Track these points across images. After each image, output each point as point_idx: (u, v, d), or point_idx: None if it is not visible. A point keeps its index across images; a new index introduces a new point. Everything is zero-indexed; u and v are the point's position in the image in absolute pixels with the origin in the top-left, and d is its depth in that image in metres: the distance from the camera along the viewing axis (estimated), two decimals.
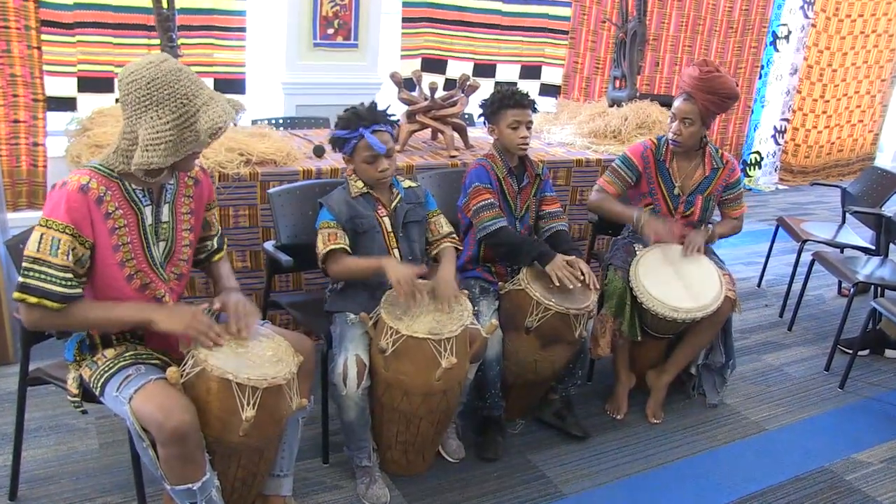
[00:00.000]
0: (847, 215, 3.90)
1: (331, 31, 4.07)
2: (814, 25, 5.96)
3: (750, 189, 6.11)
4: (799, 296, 3.63)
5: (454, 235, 2.41)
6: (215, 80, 3.77)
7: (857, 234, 3.83)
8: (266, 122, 3.44)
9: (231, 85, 3.82)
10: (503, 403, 2.46)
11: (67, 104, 3.49)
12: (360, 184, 2.26)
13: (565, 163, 3.28)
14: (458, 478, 2.34)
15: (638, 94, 3.83)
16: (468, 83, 3.23)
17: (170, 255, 1.85)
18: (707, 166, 2.75)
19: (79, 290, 1.68)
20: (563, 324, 2.36)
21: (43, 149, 3.52)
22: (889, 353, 3.40)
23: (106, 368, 1.76)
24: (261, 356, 1.81)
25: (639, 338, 2.65)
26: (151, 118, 1.63)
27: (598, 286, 2.45)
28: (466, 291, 2.30)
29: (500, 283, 2.51)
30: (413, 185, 2.39)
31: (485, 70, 4.69)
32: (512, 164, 2.53)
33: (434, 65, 4.55)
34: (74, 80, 3.49)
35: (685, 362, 2.78)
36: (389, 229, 2.28)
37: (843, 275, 3.31)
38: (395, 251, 2.28)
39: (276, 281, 2.79)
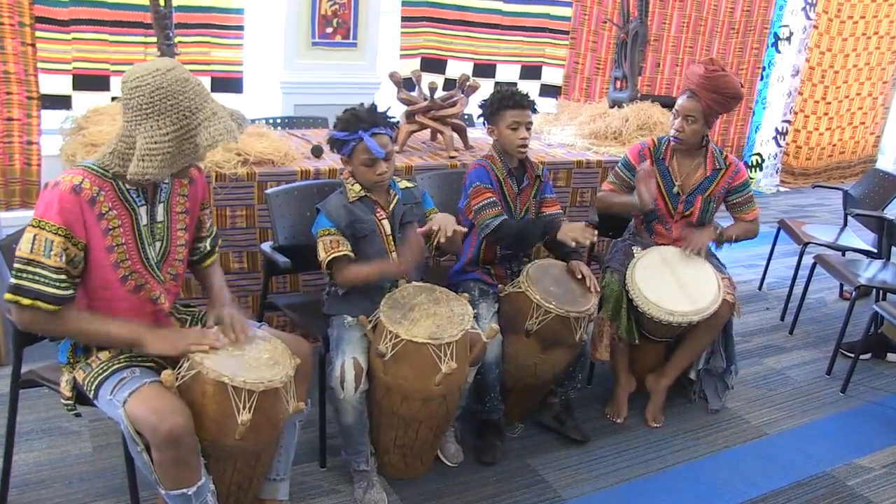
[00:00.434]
0: (849, 218, 3.89)
1: (330, 29, 4.05)
2: (815, 27, 5.95)
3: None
4: (800, 299, 3.62)
5: None
6: (213, 78, 3.75)
7: (860, 237, 3.82)
8: (264, 121, 3.42)
9: (228, 84, 3.81)
10: (502, 407, 2.45)
11: (62, 102, 3.46)
12: (357, 187, 2.24)
13: (566, 164, 3.26)
14: (456, 482, 2.33)
15: (639, 95, 3.82)
16: (468, 83, 3.21)
17: (165, 255, 1.83)
18: (709, 166, 2.74)
19: (71, 292, 1.67)
20: (563, 327, 2.34)
21: (37, 147, 3.49)
22: (891, 357, 3.38)
23: (100, 371, 1.75)
24: (257, 359, 1.80)
25: (636, 341, 2.64)
26: (151, 127, 1.61)
27: (598, 289, 2.45)
28: (467, 295, 2.29)
29: (499, 285, 2.49)
30: (410, 185, 2.38)
31: (485, 70, 4.68)
32: (512, 166, 2.52)
33: (433, 65, 4.53)
34: (69, 78, 3.47)
35: (684, 366, 2.77)
36: (388, 232, 2.27)
37: (844, 278, 3.30)
38: (394, 254, 2.27)
39: (274, 282, 2.78)
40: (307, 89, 4.07)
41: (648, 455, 2.55)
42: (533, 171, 2.57)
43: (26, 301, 1.62)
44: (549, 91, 4.91)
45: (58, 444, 2.36)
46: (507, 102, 2.44)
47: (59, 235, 1.62)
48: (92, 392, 1.75)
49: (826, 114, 6.33)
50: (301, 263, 2.37)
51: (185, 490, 1.68)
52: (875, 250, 3.65)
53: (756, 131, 6.19)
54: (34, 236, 1.62)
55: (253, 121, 3.41)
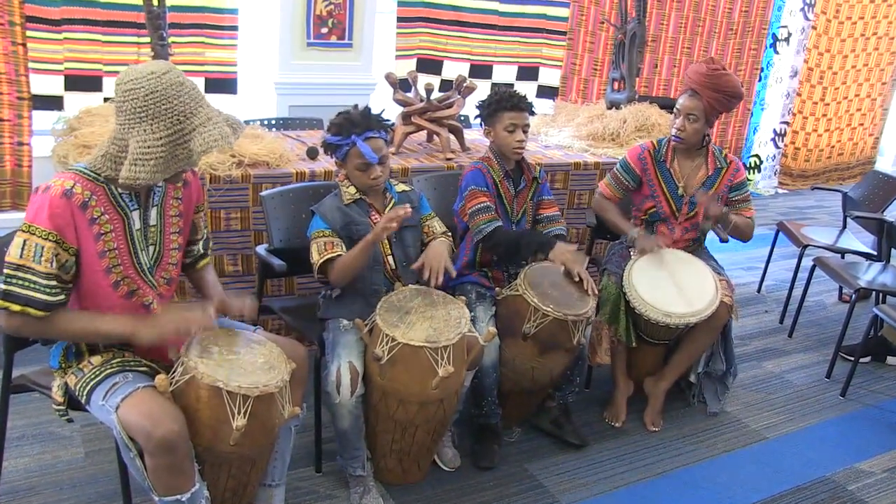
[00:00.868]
0: (848, 220, 3.89)
1: (325, 30, 4.04)
2: (814, 27, 5.94)
3: (751, 197, 6.08)
4: (799, 302, 3.61)
5: (449, 234, 2.39)
6: (206, 79, 3.73)
7: (859, 240, 3.81)
8: (258, 122, 3.39)
9: (222, 84, 3.79)
10: (500, 411, 2.43)
11: (54, 103, 3.44)
12: (352, 189, 2.23)
13: (563, 166, 3.25)
14: (453, 487, 2.32)
15: (637, 97, 3.81)
16: (465, 84, 3.20)
17: (159, 260, 1.82)
18: (710, 165, 2.74)
19: (62, 298, 1.65)
20: (561, 330, 2.33)
21: (28, 148, 3.47)
22: (891, 360, 3.37)
23: (92, 376, 1.73)
24: (252, 363, 1.78)
25: (634, 344, 2.63)
26: (145, 131, 1.60)
27: (596, 292, 2.43)
28: (464, 298, 2.27)
29: (496, 288, 2.48)
30: (406, 188, 2.37)
31: (481, 71, 4.66)
32: (509, 167, 2.51)
33: (429, 65, 4.51)
34: (61, 79, 3.44)
35: (683, 369, 2.76)
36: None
37: (844, 281, 3.29)
38: (390, 258, 2.26)
39: (269, 285, 2.76)
40: (302, 90, 4.05)
41: (647, 459, 2.53)
42: (530, 173, 2.56)
43: (16, 307, 1.61)
44: (545, 92, 4.90)
45: (49, 450, 2.34)
46: (504, 104, 2.43)
47: (50, 241, 1.60)
48: (84, 397, 1.73)
49: (825, 115, 6.32)
50: (296, 266, 2.35)
51: (178, 496, 1.66)
52: (875, 253, 3.63)
53: (754, 133, 6.18)
54: (24, 241, 1.60)
55: (247, 122, 3.38)
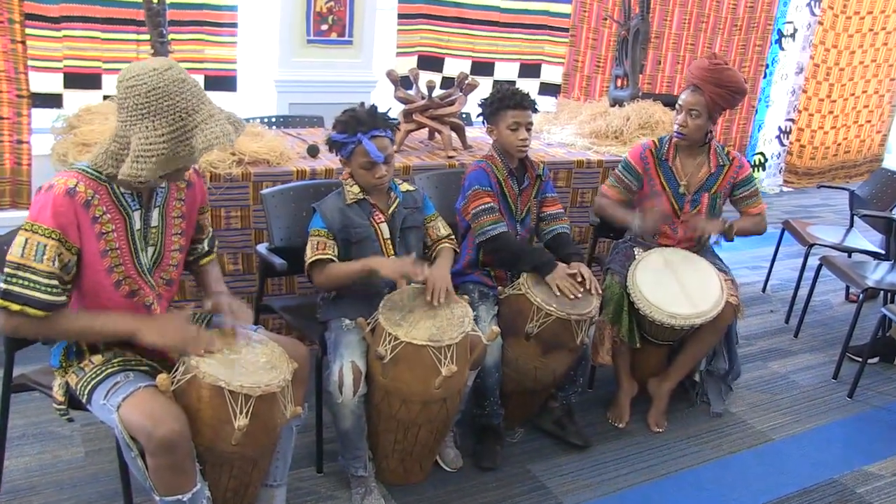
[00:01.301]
0: (855, 219, 3.86)
1: (325, 27, 4.02)
2: (821, 23, 5.88)
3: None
4: (805, 301, 3.59)
5: (452, 237, 2.38)
6: (206, 76, 3.72)
7: (866, 238, 3.78)
8: (258, 120, 3.39)
9: (222, 82, 3.77)
10: (502, 411, 2.42)
11: (53, 101, 3.42)
12: (356, 189, 2.22)
13: (566, 164, 3.23)
14: (455, 487, 2.31)
15: (640, 94, 3.78)
16: (467, 82, 3.18)
17: (158, 261, 1.81)
18: (713, 163, 2.72)
19: (63, 298, 1.65)
20: (564, 330, 2.32)
21: (27, 147, 3.45)
22: None
23: (93, 375, 1.73)
24: (254, 363, 1.78)
25: (637, 344, 2.61)
26: (146, 127, 1.59)
27: (600, 291, 2.42)
28: (467, 297, 2.26)
29: (499, 287, 2.46)
30: (411, 188, 2.36)
31: (483, 68, 4.64)
32: (512, 166, 2.50)
33: (431, 62, 4.49)
34: (60, 76, 3.43)
35: (687, 369, 2.75)
36: (387, 236, 2.24)
37: (851, 280, 3.26)
38: (392, 258, 2.23)
39: (269, 284, 2.74)
40: (302, 88, 4.03)
41: (651, 461, 2.52)
42: (534, 171, 2.54)
43: (15, 307, 1.60)
44: (548, 89, 4.87)
45: (49, 450, 2.33)
46: (507, 102, 2.42)
47: (53, 239, 1.60)
48: (85, 396, 1.73)
49: (831, 112, 6.27)
50: (297, 265, 2.33)
51: (180, 497, 1.66)
52: (882, 252, 3.61)
53: (759, 130, 6.14)
54: (26, 240, 1.60)
55: (247, 120, 3.37)
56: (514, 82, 4.70)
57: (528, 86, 4.69)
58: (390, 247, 2.24)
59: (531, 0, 4.62)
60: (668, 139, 2.74)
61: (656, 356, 2.74)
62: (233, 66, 3.80)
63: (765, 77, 5.92)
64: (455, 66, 4.49)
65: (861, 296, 3.11)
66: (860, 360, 3.09)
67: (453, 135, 3.17)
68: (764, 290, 4.07)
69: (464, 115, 3.53)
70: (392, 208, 2.24)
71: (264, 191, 2.43)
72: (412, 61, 4.41)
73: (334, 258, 2.16)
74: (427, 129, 3.22)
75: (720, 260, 2.82)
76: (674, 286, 2.56)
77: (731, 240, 2.73)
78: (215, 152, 2.62)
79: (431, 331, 2.05)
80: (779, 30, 5.83)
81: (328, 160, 2.82)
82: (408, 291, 2.19)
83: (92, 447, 2.34)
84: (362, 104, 2.20)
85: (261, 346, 1.85)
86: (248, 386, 1.68)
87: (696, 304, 2.52)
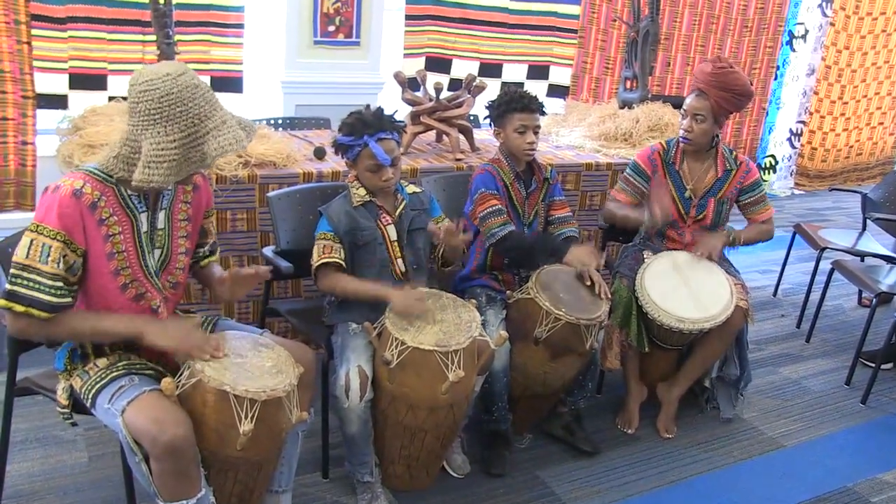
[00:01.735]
0: (868, 222, 3.81)
1: (332, 28, 4.01)
2: (832, 24, 5.83)
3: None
4: (817, 306, 3.55)
5: None
6: (212, 78, 3.70)
7: (879, 242, 3.73)
8: (265, 122, 3.38)
9: (228, 83, 3.76)
10: (510, 417, 2.41)
11: (58, 102, 3.41)
12: (362, 191, 2.21)
13: (574, 167, 3.20)
14: (463, 494, 2.29)
15: (650, 96, 3.75)
16: (474, 83, 3.16)
17: (165, 264, 1.81)
18: (720, 168, 2.70)
19: (69, 300, 1.64)
20: (573, 334, 2.30)
21: (32, 148, 3.44)
22: None
23: (98, 379, 1.72)
24: (260, 367, 1.77)
25: (646, 349, 2.59)
26: (158, 133, 1.59)
27: (609, 295, 2.41)
28: (474, 301, 2.25)
29: (507, 291, 2.44)
30: (417, 190, 2.35)
31: (491, 70, 4.61)
32: (519, 169, 2.49)
33: (438, 64, 4.47)
34: (66, 77, 3.42)
35: (697, 374, 2.72)
36: (394, 238, 2.22)
37: (864, 284, 3.23)
38: (399, 261, 2.23)
39: (275, 287, 2.73)
40: (309, 89, 4.02)
41: (661, 467, 2.49)
42: (541, 174, 2.53)
43: (20, 308, 1.60)
44: (556, 91, 4.84)
45: (52, 454, 2.32)
46: (514, 105, 2.40)
47: (58, 241, 1.60)
48: (89, 400, 1.72)
49: (843, 114, 6.20)
50: (303, 268, 2.32)
51: (184, 502, 1.65)
52: None
53: (769, 132, 6.09)
54: (31, 241, 1.60)
55: (253, 121, 3.36)
56: (522, 84, 4.67)
57: (537, 87, 4.66)
58: (397, 249, 2.23)
59: (539, 1, 4.60)
60: (676, 143, 2.72)
61: (665, 361, 2.72)
62: (239, 67, 3.79)
63: (776, 79, 5.87)
64: (463, 68, 4.47)
65: (874, 300, 3.08)
66: (873, 365, 3.05)
67: (461, 137, 3.15)
68: (775, 294, 4.04)
69: (471, 118, 3.52)
70: (399, 210, 2.23)
71: (270, 193, 2.42)
72: (420, 63, 4.40)
73: (341, 262, 2.16)
74: (434, 131, 3.20)
75: (729, 263, 2.79)
76: (683, 290, 2.54)
77: (735, 248, 2.71)
78: None
79: (438, 335, 2.03)
80: (790, 31, 5.79)
81: (335, 162, 2.81)
82: (415, 294, 2.17)
83: (96, 452, 2.33)
84: (368, 106, 2.19)
85: (267, 350, 1.84)
86: (254, 390, 1.67)
87: (706, 308, 2.50)
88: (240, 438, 1.65)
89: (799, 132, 6.14)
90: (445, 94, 3.15)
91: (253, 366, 1.76)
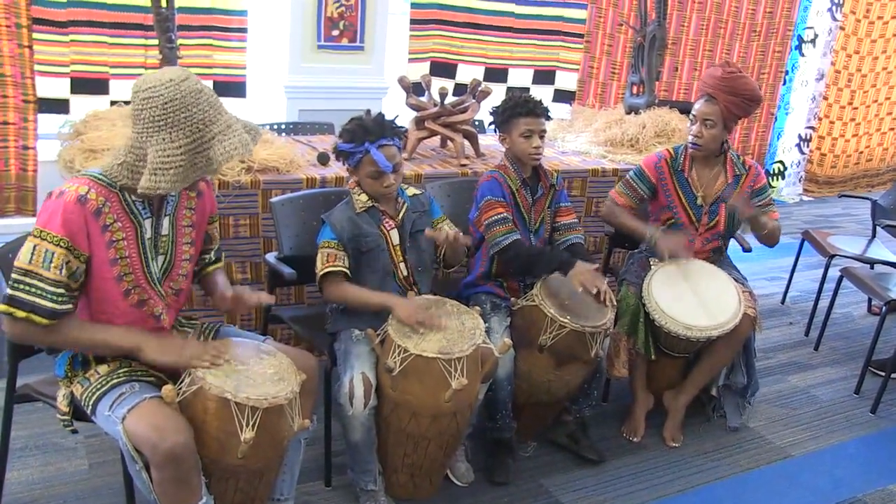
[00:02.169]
0: (878, 229, 3.79)
1: (336, 32, 4.00)
2: (842, 28, 5.79)
3: (773, 200, 5.96)
4: (826, 313, 3.51)
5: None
6: (215, 82, 3.71)
7: (889, 249, 3.70)
8: (268, 127, 3.36)
9: (231, 88, 3.76)
10: (514, 425, 2.39)
11: (60, 106, 3.42)
12: (364, 197, 2.21)
13: (580, 172, 3.19)
14: (466, 503, 2.27)
15: (656, 101, 3.73)
16: (480, 88, 3.15)
17: (168, 270, 1.80)
18: (729, 173, 2.68)
19: (69, 307, 1.63)
20: (578, 342, 2.28)
21: (33, 152, 3.44)
22: None
23: (98, 386, 1.72)
24: (262, 374, 1.76)
25: (653, 357, 2.57)
26: (163, 139, 1.59)
27: (615, 302, 2.40)
28: (478, 308, 2.23)
29: (512, 298, 2.43)
30: (417, 192, 2.34)
31: (496, 75, 4.61)
32: (525, 175, 2.47)
33: (443, 69, 4.46)
34: (67, 81, 3.42)
35: (703, 382, 2.70)
36: (396, 242, 2.22)
37: (873, 292, 3.19)
38: (402, 264, 2.23)
39: (278, 294, 2.71)
40: (313, 94, 4.02)
41: (667, 476, 2.47)
42: (547, 180, 2.52)
43: (20, 313, 1.60)
44: (562, 96, 4.83)
45: (52, 462, 2.31)
46: (519, 110, 2.39)
47: (61, 247, 1.59)
48: (90, 407, 1.72)
49: (853, 119, 6.16)
50: (306, 274, 2.31)
51: None
52: None
53: (778, 138, 6.06)
54: (34, 246, 1.60)
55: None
56: (527, 89, 4.67)
57: (543, 92, 4.66)
58: (400, 253, 2.22)
59: (546, 6, 4.59)
60: (684, 149, 2.69)
61: (672, 368, 2.70)
62: (242, 71, 3.79)
63: (784, 84, 5.85)
64: (468, 73, 4.46)
65: (884, 308, 3.05)
66: (883, 374, 3.02)
67: (466, 142, 3.14)
68: (783, 301, 4.00)
69: (476, 123, 3.50)
70: (401, 214, 2.23)
71: (273, 199, 2.41)
72: (424, 67, 4.39)
73: (346, 270, 2.15)
74: (439, 136, 3.19)
75: (737, 271, 2.77)
76: (690, 297, 2.52)
77: (749, 249, 2.66)
78: None
79: (442, 343, 2.02)
80: (799, 35, 5.76)
81: (338, 168, 2.79)
82: (418, 302, 2.16)
83: (96, 459, 2.32)
84: (368, 112, 2.19)
85: (269, 357, 1.83)
86: (255, 398, 1.66)
87: (713, 315, 2.48)
88: (241, 446, 1.65)
89: (808, 138, 6.10)
90: (450, 99, 3.14)
91: (255, 373, 1.75)
